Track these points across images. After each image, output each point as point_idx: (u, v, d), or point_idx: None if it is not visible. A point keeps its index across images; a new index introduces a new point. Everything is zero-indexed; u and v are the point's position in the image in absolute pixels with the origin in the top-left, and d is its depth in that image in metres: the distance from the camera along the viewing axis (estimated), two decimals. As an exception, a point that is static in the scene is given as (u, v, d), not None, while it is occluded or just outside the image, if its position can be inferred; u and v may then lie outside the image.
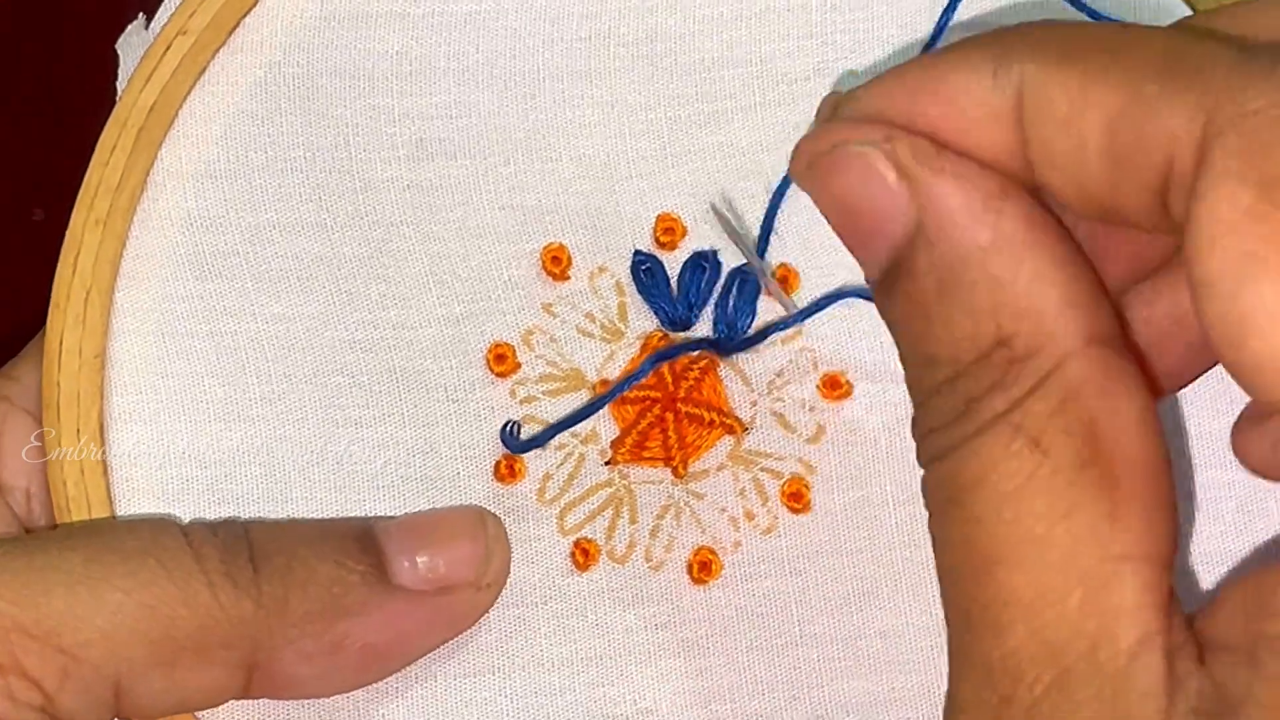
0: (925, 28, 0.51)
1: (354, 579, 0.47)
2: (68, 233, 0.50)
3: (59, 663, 0.44)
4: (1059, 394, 0.36)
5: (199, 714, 0.49)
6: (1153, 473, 0.36)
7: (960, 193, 0.37)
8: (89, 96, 0.53)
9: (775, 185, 0.50)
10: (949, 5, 0.50)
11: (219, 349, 0.50)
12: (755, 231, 0.51)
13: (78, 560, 0.45)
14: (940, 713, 0.49)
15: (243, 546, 0.46)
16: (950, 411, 0.37)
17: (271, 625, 0.46)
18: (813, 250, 0.50)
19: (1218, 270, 0.33)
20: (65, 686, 0.44)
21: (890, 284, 0.38)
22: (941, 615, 0.49)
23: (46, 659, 0.44)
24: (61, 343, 0.50)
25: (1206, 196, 0.33)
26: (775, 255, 0.51)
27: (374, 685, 0.49)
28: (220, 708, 0.49)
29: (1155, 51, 0.35)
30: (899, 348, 0.38)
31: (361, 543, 0.47)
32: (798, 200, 0.51)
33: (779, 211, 0.51)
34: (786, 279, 0.50)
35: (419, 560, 0.47)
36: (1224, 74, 0.34)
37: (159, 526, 0.47)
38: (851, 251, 0.39)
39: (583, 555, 0.50)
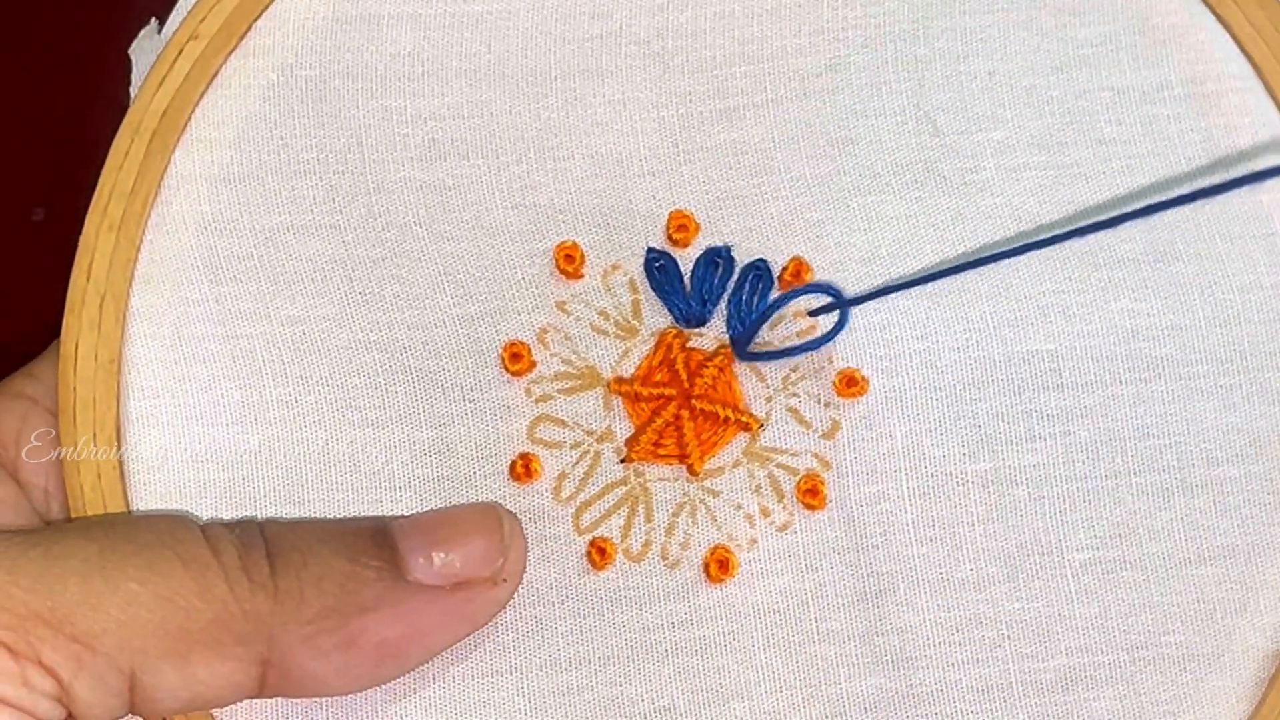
0: (938, 23, 0.51)
1: (369, 575, 0.46)
2: (81, 238, 0.50)
3: (73, 651, 0.44)
4: None
5: (215, 713, 0.49)
6: None
7: None
8: (90, 96, 0.54)
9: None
10: None
11: (234, 352, 0.50)
12: (768, 224, 0.51)
13: (94, 550, 0.45)
14: (957, 709, 0.49)
15: (258, 542, 0.46)
16: None
17: (287, 621, 0.46)
18: (824, 243, 0.50)
19: None
20: (79, 675, 0.44)
21: None
22: (958, 612, 0.49)
23: (61, 647, 0.44)
24: (77, 348, 0.50)
25: None
26: (787, 248, 0.51)
27: (390, 685, 0.49)
28: (238, 707, 0.49)
29: None
30: None
31: (376, 539, 0.47)
32: (811, 194, 0.51)
33: (794, 204, 0.51)
34: (799, 272, 0.50)
35: (434, 557, 0.47)
36: None
37: (176, 521, 0.47)
38: None
39: (599, 554, 0.50)
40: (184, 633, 0.45)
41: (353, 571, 0.46)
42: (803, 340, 0.50)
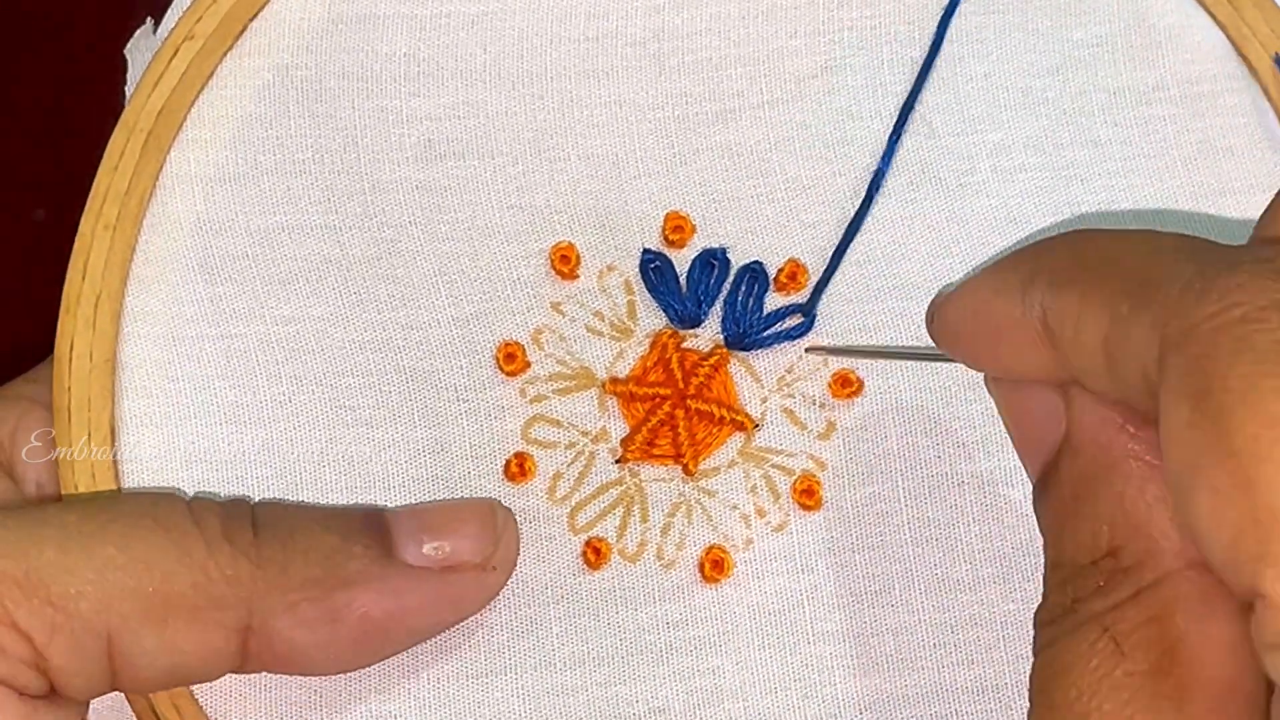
0: (931, 24, 0.51)
1: (357, 550, 0.46)
2: (77, 238, 0.50)
3: (48, 615, 0.44)
4: (1152, 606, 0.38)
5: (210, 714, 0.49)
6: (1232, 697, 0.37)
7: (1103, 411, 0.39)
8: (91, 96, 0.54)
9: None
10: (948, 8, 0.50)
11: (229, 351, 0.50)
12: (764, 225, 0.51)
13: (73, 519, 0.45)
14: (952, 710, 0.49)
15: (245, 514, 0.46)
16: (1059, 608, 0.39)
17: (269, 588, 0.45)
18: (820, 245, 0.51)
19: (1174, 478, 0.35)
20: (55, 640, 0.44)
21: (1041, 489, 0.41)
22: (953, 613, 0.49)
23: (36, 611, 0.44)
24: (72, 348, 0.50)
25: (1161, 414, 0.36)
26: (782, 250, 0.51)
27: (383, 684, 0.49)
28: (233, 708, 0.49)
29: (1132, 269, 0.38)
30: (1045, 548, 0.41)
31: (369, 522, 0.47)
32: (807, 195, 0.51)
33: (790, 206, 0.51)
34: (795, 274, 0.50)
35: (426, 542, 0.47)
36: (1178, 292, 0.36)
37: (160, 494, 0.47)
38: (1022, 458, 0.42)
39: (594, 554, 0.49)
40: (162, 597, 0.45)
41: (341, 546, 0.46)
42: (796, 342, 0.50)
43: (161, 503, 0.46)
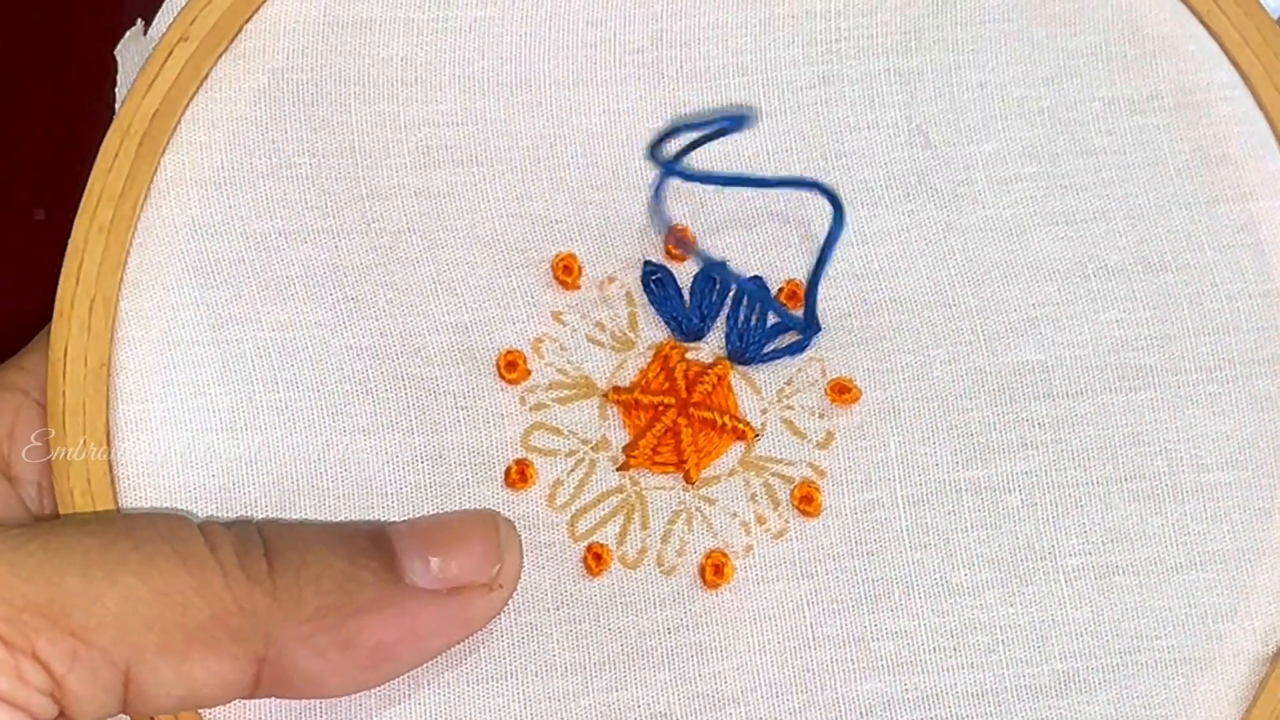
0: (928, 36, 0.52)
1: (367, 576, 0.46)
2: (70, 241, 0.50)
3: (69, 645, 0.43)
4: None
5: (208, 716, 0.49)
6: None
7: None
8: (91, 96, 0.53)
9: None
10: None
11: (225, 357, 0.50)
12: (763, 238, 0.51)
13: (93, 545, 0.45)
14: (952, 713, 0.49)
15: (256, 541, 0.46)
16: None
17: (284, 618, 0.45)
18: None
19: None
20: (74, 669, 0.44)
21: None
22: (952, 617, 0.50)
23: (57, 640, 0.43)
24: (66, 351, 0.49)
25: None
26: (782, 263, 0.51)
27: (386, 691, 0.49)
28: (232, 713, 0.49)
29: None
30: None
31: (374, 541, 0.47)
32: (807, 208, 0.51)
33: (788, 219, 0.51)
34: (795, 292, 0.51)
35: (431, 561, 0.47)
36: None
37: (173, 518, 0.47)
38: None
39: (595, 560, 0.50)
40: (181, 628, 0.44)
41: (351, 572, 0.46)
42: (795, 354, 0.51)
43: (177, 529, 0.46)
